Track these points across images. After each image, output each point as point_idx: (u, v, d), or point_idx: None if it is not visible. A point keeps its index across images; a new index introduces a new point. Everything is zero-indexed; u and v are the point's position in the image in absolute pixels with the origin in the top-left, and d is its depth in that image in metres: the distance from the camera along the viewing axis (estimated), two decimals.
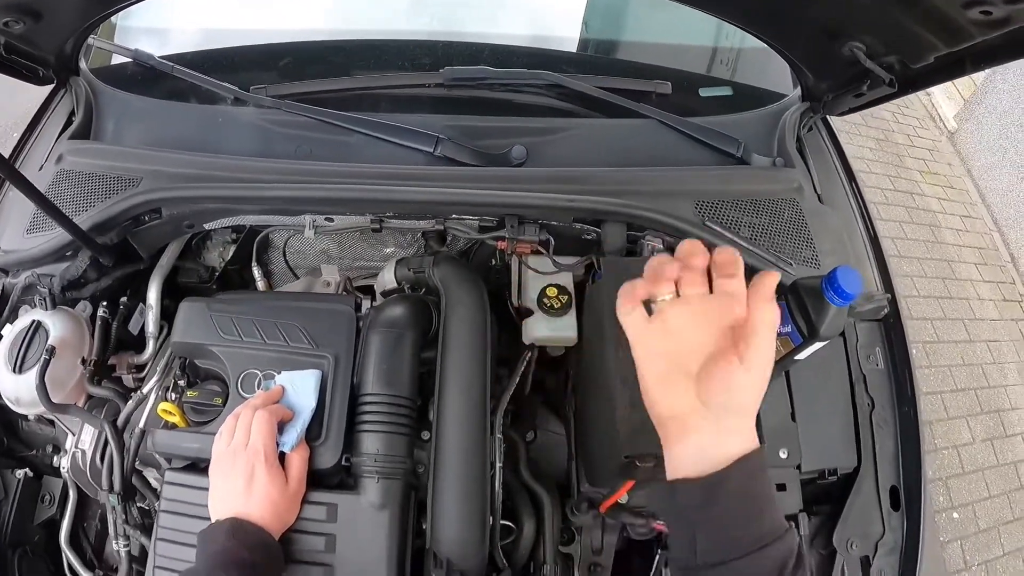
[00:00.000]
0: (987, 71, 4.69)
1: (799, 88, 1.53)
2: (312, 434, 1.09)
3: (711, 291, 0.71)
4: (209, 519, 0.99)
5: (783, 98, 1.58)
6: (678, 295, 0.72)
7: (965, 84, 5.08)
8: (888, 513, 1.25)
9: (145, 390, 1.26)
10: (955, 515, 3.14)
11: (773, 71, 1.61)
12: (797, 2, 1.18)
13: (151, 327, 1.40)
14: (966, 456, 3.34)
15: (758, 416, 1.17)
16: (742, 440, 0.68)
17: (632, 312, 0.75)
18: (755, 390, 0.69)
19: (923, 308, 3.84)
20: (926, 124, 5.22)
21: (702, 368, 0.70)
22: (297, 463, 1.03)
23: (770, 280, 0.70)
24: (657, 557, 1.35)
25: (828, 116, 1.58)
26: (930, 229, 4.32)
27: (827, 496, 1.30)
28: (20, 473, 1.31)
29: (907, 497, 1.26)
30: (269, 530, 0.96)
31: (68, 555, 1.30)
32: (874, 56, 1.18)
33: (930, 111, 5.35)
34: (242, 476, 0.98)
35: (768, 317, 0.69)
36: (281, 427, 1.05)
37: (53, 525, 1.34)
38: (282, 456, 1.03)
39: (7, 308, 1.34)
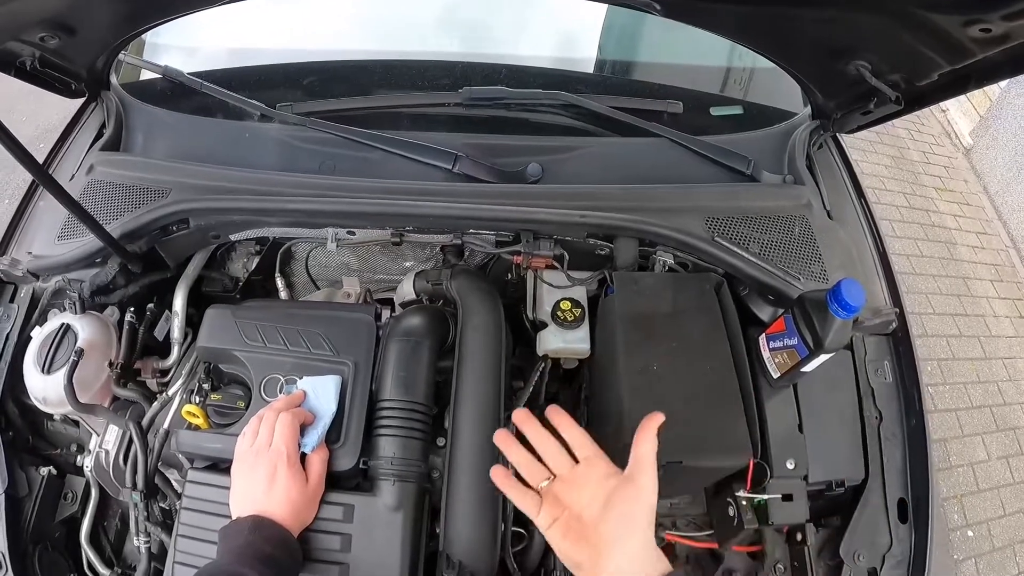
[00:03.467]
0: (1002, 86, 4.67)
1: (809, 107, 1.55)
2: (331, 437, 1.12)
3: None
4: (229, 517, 1.02)
5: (793, 116, 1.60)
6: (553, 475, 0.93)
7: (980, 100, 5.05)
8: (896, 525, 1.25)
9: (170, 392, 1.30)
10: (970, 533, 3.10)
11: (786, 90, 1.62)
12: (802, 22, 1.19)
13: (176, 333, 1.44)
14: (981, 474, 3.30)
15: (764, 426, 1.20)
16: (652, 562, 0.82)
17: (525, 499, 0.94)
18: (650, 509, 0.86)
19: (938, 325, 3.81)
20: (942, 141, 5.19)
21: (600, 511, 0.86)
22: (317, 464, 1.06)
23: (653, 422, 0.92)
24: None
25: (838, 133, 1.60)
26: (946, 246, 4.29)
27: (835, 508, 1.30)
28: (44, 471, 1.32)
29: (915, 510, 1.26)
30: (288, 528, 0.99)
31: (88, 552, 1.32)
32: (879, 74, 1.20)
33: (945, 128, 5.32)
34: (264, 475, 1.01)
35: (649, 451, 0.90)
36: (302, 430, 1.08)
37: (74, 523, 1.36)
38: (302, 457, 1.06)
39: (37, 311, 1.38)
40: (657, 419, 0.93)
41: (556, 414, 0.99)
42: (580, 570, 0.85)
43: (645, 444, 0.90)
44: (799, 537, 1.25)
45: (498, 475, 0.98)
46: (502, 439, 0.99)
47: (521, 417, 0.99)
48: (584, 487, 0.89)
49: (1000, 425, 3.51)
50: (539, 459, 0.96)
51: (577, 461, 0.93)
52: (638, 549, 0.82)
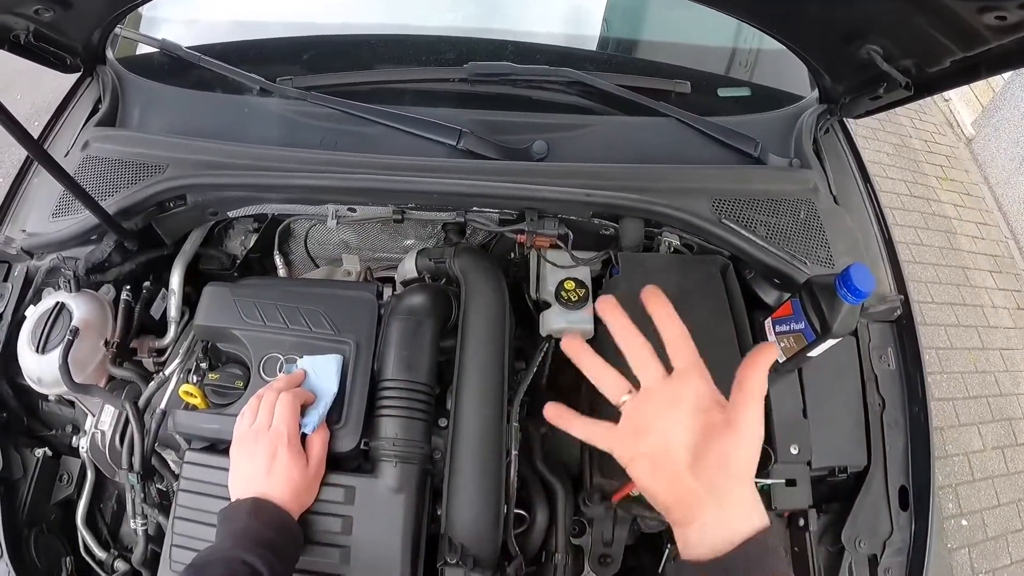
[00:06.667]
0: (1005, 77, 4.66)
1: (816, 90, 1.53)
2: (332, 418, 1.10)
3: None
4: (228, 499, 1.01)
5: (801, 100, 1.59)
6: (637, 389, 0.73)
7: (983, 90, 5.04)
8: (896, 513, 1.25)
9: (167, 372, 1.28)
10: (964, 522, 3.12)
11: (792, 72, 1.61)
12: (815, 5, 1.18)
13: (173, 312, 1.41)
14: (976, 463, 3.33)
15: (769, 411, 1.20)
16: (747, 516, 0.65)
17: (594, 429, 0.75)
18: (752, 456, 0.67)
19: (937, 314, 3.82)
20: (944, 130, 5.19)
21: (694, 450, 0.67)
22: (318, 446, 1.05)
23: (767, 354, 0.70)
24: (667, 551, 1.36)
25: (845, 118, 1.59)
26: (946, 236, 4.29)
27: (836, 494, 1.30)
28: (39, 452, 1.32)
29: (916, 497, 1.26)
30: (289, 511, 0.98)
31: (84, 534, 1.31)
32: (891, 59, 1.19)
33: (948, 117, 5.32)
34: (264, 457, 0.99)
35: (757, 386, 0.68)
36: (303, 410, 1.07)
37: (70, 505, 1.35)
38: (303, 438, 1.05)
39: (31, 290, 1.36)
40: (771, 352, 0.71)
41: (655, 298, 0.76)
42: (668, 513, 0.69)
43: (753, 379, 0.68)
44: (801, 522, 1.25)
45: (553, 410, 0.78)
46: (571, 343, 0.78)
47: (605, 306, 0.77)
48: (675, 410, 0.69)
49: (996, 416, 3.54)
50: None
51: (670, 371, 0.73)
52: (736, 501, 0.66)
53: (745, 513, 0.65)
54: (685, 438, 0.68)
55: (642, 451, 0.70)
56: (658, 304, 0.75)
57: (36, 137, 1.26)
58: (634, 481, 0.72)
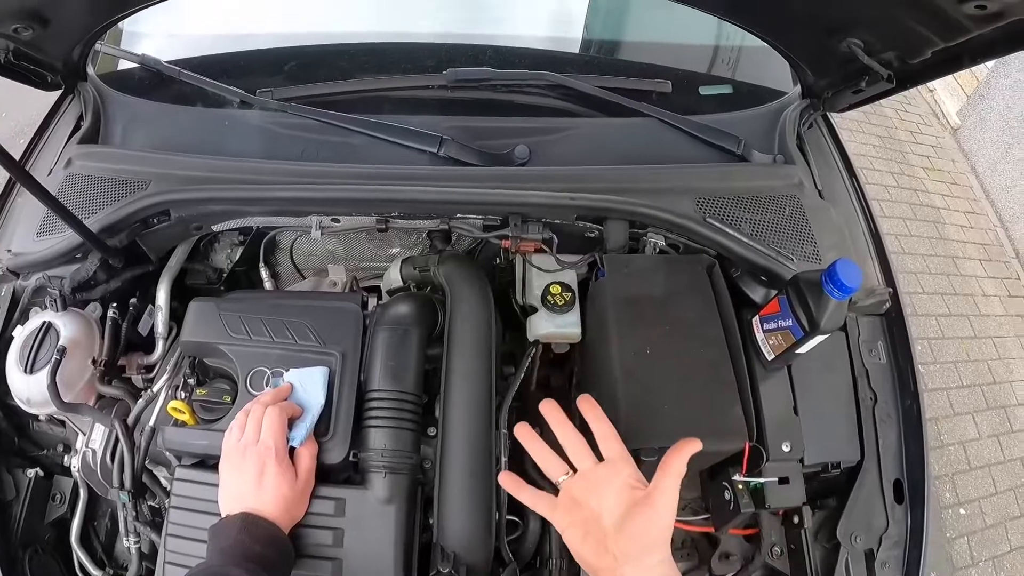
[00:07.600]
0: (989, 66, 4.67)
1: (799, 85, 1.53)
2: (320, 430, 1.10)
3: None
4: (219, 514, 1.00)
5: (783, 95, 1.59)
6: (574, 471, 0.93)
7: (968, 80, 5.06)
8: (892, 506, 1.24)
9: (155, 389, 1.27)
10: (962, 511, 3.13)
11: (774, 69, 1.61)
12: (796, 1, 1.18)
13: (160, 328, 1.41)
14: (972, 452, 3.33)
15: (760, 409, 1.19)
16: (662, 573, 0.81)
17: (540, 499, 0.95)
18: (667, 526, 0.84)
19: (928, 304, 3.83)
20: (929, 120, 5.20)
21: (619, 521, 0.84)
22: (306, 458, 1.04)
23: (689, 447, 0.90)
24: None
25: (828, 113, 1.59)
26: (934, 226, 4.30)
27: (831, 490, 1.30)
28: (31, 473, 1.31)
29: (911, 490, 1.25)
30: (279, 525, 0.97)
31: (79, 553, 1.31)
32: (872, 52, 1.19)
33: (933, 107, 5.33)
34: (253, 471, 0.99)
35: (675, 472, 0.86)
36: (290, 423, 1.06)
37: (64, 524, 1.34)
38: (291, 452, 1.04)
39: (18, 310, 1.35)
40: (694, 445, 0.90)
41: (588, 404, 0.97)
42: (596, 574, 0.85)
43: (675, 463, 0.87)
44: (796, 520, 1.24)
45: (507, 479, 0.99)
46: (523, 432, 0.99)
47: (547, 407, 0.98)
48: (605, 489, 0.88)
49: (991, 404, 3.54)
50: (560, 454, 0.96)
51: (600, 459, 0.93)
52: (654, 564, 0.81)
53: (661, 573, 0.81)
54: (612, 512, 0.85)
55: (576, 520, 0.88)
56: (590, 409, 0.96)
57: (18, 156, 1.26)
58: (568, 545, 0.89)
